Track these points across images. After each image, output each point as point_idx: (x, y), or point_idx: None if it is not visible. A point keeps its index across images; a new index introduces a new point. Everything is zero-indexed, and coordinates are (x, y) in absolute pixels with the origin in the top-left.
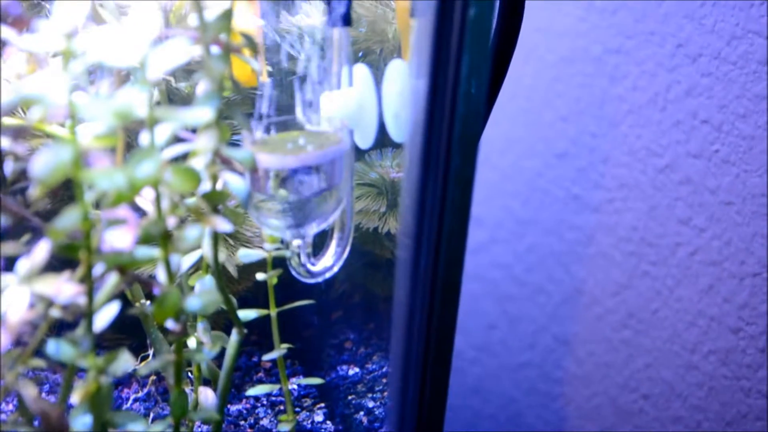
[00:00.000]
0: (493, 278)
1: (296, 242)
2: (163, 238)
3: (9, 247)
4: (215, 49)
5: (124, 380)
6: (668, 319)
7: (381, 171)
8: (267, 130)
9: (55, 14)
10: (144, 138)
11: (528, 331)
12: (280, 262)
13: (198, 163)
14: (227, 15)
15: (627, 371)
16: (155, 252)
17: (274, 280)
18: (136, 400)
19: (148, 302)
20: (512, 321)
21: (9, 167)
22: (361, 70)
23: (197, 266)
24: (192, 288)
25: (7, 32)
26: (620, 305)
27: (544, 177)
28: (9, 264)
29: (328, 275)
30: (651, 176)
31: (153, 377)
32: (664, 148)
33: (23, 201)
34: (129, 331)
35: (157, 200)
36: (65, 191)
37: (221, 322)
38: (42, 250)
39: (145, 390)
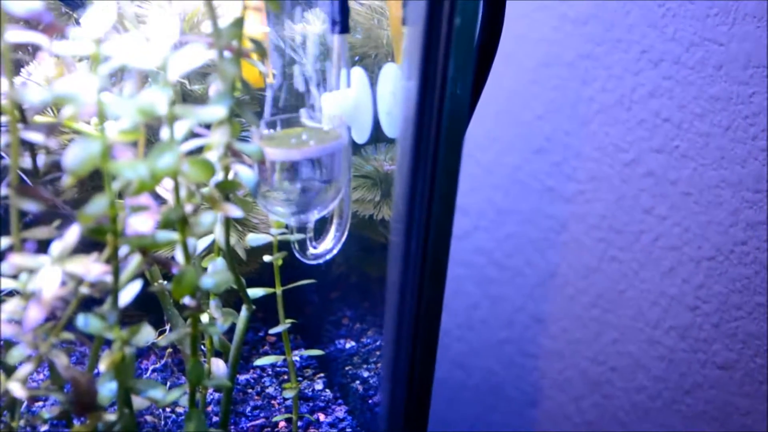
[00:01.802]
0: (476, 263)
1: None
2: (181, 223)
3: (41, 232)
4: (228, 54)
5: (143, 352)
6: (633, 298)
7: (375, 164)
8: (273, 127)
9: (85, 22)
10: (164, 133)
11: (507, 310)
12: (284, 246)
13: (212, 155)
14: (239, 23)
15: (596, 346)
16: (174, 235)
17: (280, 262)
18: (154, 370)
19: (165, 282)
20: (493, 301)
21: (41, 160)
22: (358, 73)
23: (209, 250)
24: (205, 269)
25: (40, 38)
26: (590, 287)
27: (522, 171)
28: (39, 247)
29: (328, 257)
30: (618, 170)
31: (169, 350)
32: (629, 144)
33: (54, 190)
34: (147, 308)
35: (176, 189)
36: (90, 182)
37: (231, 300)
38: (73, 234)
39: (162, 361)
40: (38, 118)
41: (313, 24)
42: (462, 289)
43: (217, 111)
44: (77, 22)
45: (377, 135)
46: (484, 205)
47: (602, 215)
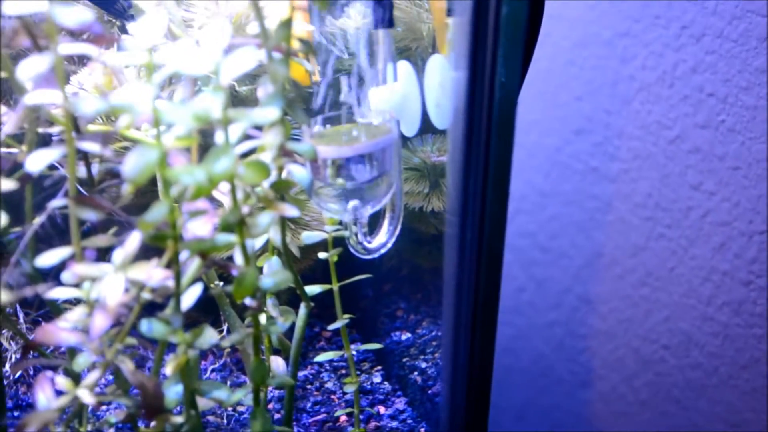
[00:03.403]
0: (520, 246)
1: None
2: (239, 225)
3: (101, 240)
4: (277, 55)
5: (202, 353)
6: (684, 275)
7: (423, 155)
8: (323, 124)
9: (136, 32)
10: (219, 137)
11: (554, 292)
12: (339, 242)
13: (266, 157)
14: (287, 24)
15: (647, 324)
16: (233, 237)
17: (335, 258)
18: (213, 370)
19: (221, 283)
20: (539, 284)
21: (95, 169)
22: (404, 66)
23: (264, 249)
24: (260, 269)
25: (91, 49)
26: (638, 265)
27: (563, 152)
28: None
29: (383, 251)
30: (662, 147)
31: (227, 349)
32: (673, 121)
33: (109, 197)
34: (203, 309)
35: (233, 192)
36: (145, 187)
37: (284, 297)
38: (134, 241)
39: (221, 361)
40: (92, 127)
41: (356, 19)
42: (507, 273)
43: (269, 113)
44: (121, 30)
45: (426, 127)
46: (525, 189)
47: (648, 193)
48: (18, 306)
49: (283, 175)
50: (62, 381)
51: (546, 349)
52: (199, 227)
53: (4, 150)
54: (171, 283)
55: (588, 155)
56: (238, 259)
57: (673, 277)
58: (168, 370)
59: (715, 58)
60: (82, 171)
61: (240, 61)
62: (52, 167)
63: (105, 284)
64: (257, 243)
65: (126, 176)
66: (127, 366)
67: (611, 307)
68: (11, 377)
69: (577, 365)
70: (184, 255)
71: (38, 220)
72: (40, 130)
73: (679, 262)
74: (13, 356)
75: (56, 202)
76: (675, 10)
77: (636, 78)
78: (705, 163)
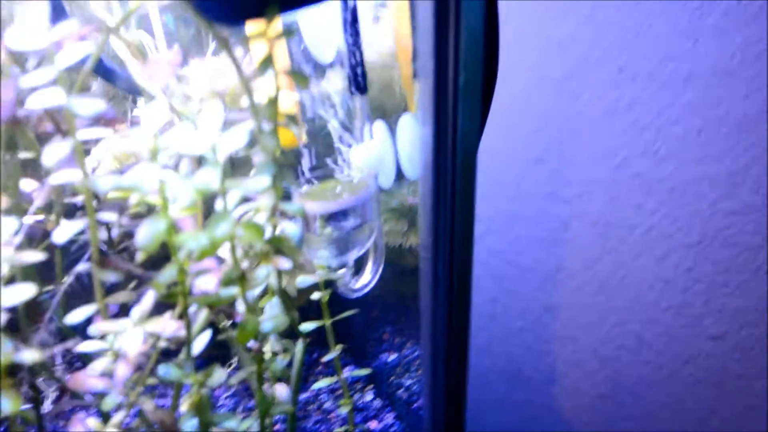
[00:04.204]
0: (491, 262)
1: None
2: (240, 279)
3: (122, 296)
4: (266, 127)
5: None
6: (632, 284)
7: (400, 198)
8: (309, 182)
9: (143, 119)
10: (219, 203)
11: (521, 302)
12: (329, 283)
13: (261, 218)
14: (274, 101)
15: (603, 328)
16: (235, 290)
17: (326, 298)
18: (226, 397)
19: (230, 322)
20: (509, 294)
21: (115, 232)
22: (379, 126)
23: (265, 291)
24: (262, 309)
25: (106, 132)
26: (593, 277)
27: (526, 179)
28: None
29: (367, 290)
30: (609, 173)
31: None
32: (617, 150)
33: (128, 255)
34: (217, 345)
35: (233, 250)
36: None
37: (285, 330)
38: (149, 299)
39: (232, 389)
40: (110, 196)
41: (335, 85)
42: (482, 285)
43: (262, 181)
44: (134, 102)
45: (400, 177)
46: (493, 212)
47: (599, 213)
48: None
49: (277, 231)
50: (93, 421)
51: (517, 351)
52: (205, 283)
53: (35, 218)
54: (183, 333)
55: (546, 181)
56: (241, 307)
57: (624, 286)
58: (184, 407)
59: (648, 95)
60: (104, 235)
61: (234, 140)
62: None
63: (126, 337)
64: (257, 289)
65: (139, 245)
66: (148, 405)
67: (571, 314)
68: (50, 416)
69: (543, 365)
70: (193, 308)
71: (66, 281)
72: (66, 200)
73: (627, 272)
74: (52, 396)
75: (81, 267)
76: (612, 52)
77: (584, 113)
78: (646, 186)
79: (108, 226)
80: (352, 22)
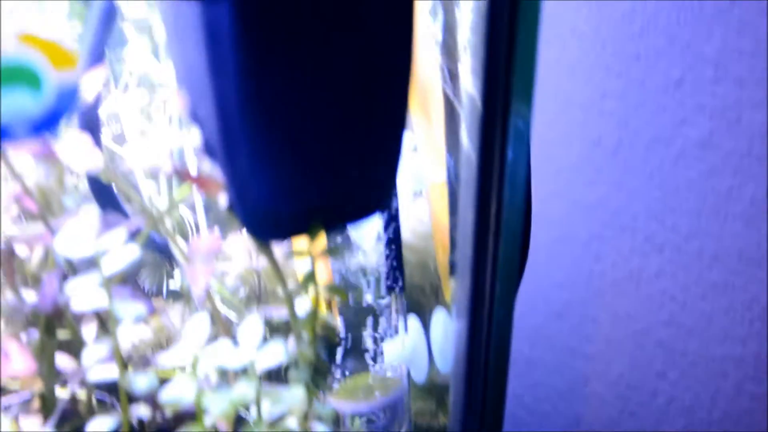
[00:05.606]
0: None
1: None
2: None
3: None
4: (305, 337)
5: None
6: None
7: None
8: (342, 372)
9: (185, 334)
10: (253, 411)
11: None
12: None
13: (293, 422)
14: (314, 314)
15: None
16: None
17: None
18: None
19: None
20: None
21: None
22: (413, 321)
23: None
24: None
25: (146, 330)
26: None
27: (542, 332)
28: None
29: None
30: (630, 337)
31: None
32: (640, 317)
33: None
34: None
35: None
36: None
37: None
38: None
39: None
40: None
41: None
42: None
43: (298, 393)
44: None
45: (432, 370)
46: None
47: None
48: None
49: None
50: None
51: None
52: None
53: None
54: None
55: (567, 337)
56: None
57: None
58: None
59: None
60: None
61: (271, 357)
62: None
63: None
64: None
65: (163, 403)
66: None
67: None
68: None
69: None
70: None
71: None
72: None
73: None
74: None
75: None
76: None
77: (607, 274)
78: (668, 355)
79: (141, 422)
80: (393, 239)
